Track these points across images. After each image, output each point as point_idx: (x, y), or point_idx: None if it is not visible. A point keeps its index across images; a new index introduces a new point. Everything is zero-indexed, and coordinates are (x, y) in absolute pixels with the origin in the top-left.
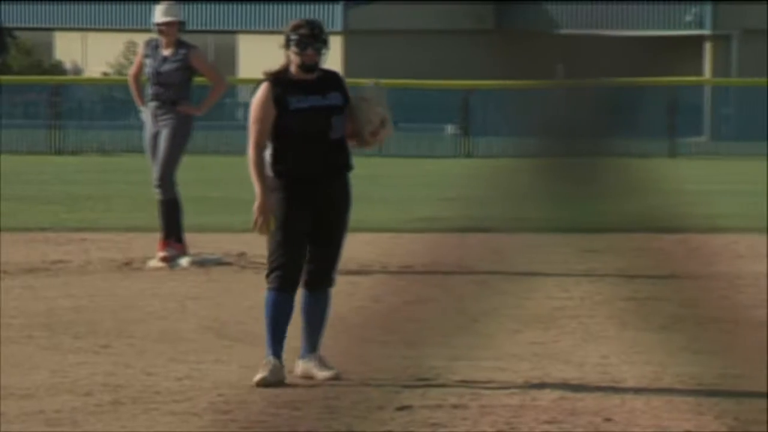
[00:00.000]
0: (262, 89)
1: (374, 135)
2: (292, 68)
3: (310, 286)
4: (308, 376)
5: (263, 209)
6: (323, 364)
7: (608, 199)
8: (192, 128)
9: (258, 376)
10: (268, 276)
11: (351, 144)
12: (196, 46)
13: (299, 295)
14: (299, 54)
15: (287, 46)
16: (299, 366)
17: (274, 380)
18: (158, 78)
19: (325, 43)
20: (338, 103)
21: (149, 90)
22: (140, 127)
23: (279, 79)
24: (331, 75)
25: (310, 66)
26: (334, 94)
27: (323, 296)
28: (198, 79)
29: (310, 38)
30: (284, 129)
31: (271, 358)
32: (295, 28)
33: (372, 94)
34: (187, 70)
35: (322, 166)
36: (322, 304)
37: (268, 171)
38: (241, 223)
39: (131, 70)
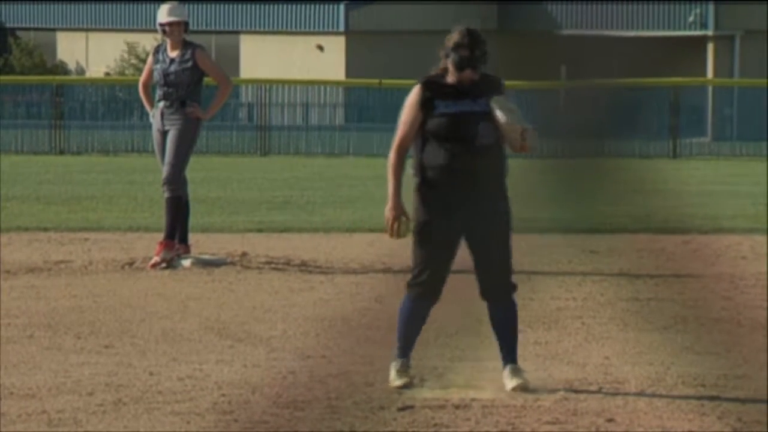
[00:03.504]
0: (413, 92)
1: (522, 149)
2: (449, 75)
3: (484, 296)
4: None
5: (394, 211)
6: (517, 372)
7: (610, 200)
8: (200, 128)
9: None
10: (409, 284)
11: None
12: (202, 46)
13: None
14: (457, 73)
15: (447, 56)
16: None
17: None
18: (166, 79)
19: (484, 56)
20: (487, 110)
21: (158, 91)
22: (143, 127)
23: (431, 83)
24: (489, 80)
25: (466, 87)
26: (485, 100)
27: (506, 305)
28: (205, 80)
29: (470, 60)
30: (430, 133)
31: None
32: (456, 48)
33: (502, 112)
34: (195, 70)
35: (467, 172)
36: (507, 313)
37: (419, 175)
38: (244, 223)
39: (141, 78)
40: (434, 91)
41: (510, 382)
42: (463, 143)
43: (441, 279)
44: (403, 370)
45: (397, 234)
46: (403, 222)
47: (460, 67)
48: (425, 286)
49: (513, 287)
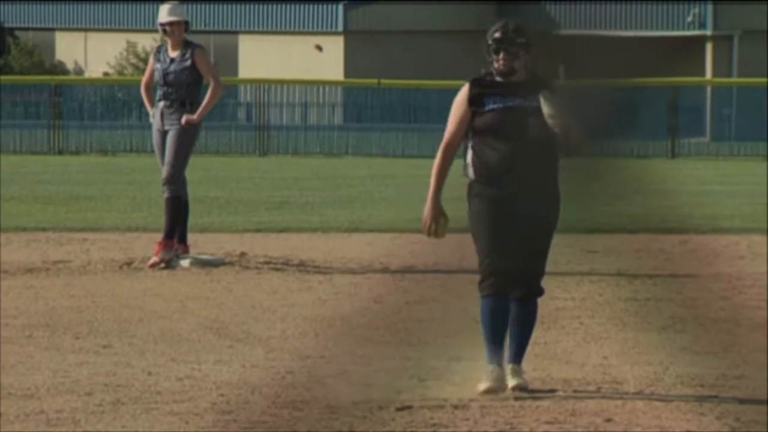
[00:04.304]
0: (462, 90)
1: (567, 148)
2: (496, 73)
3: (510, 292)
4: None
5: (432, 212)
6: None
7: (608, 200)
8: (200, 129)
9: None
10: (481, 283)
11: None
12: (201, 46)
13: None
14: (495, 60)
15: (488, 51)
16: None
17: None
18: (166, 79)
19: (521, 46)
20: (537, 105)
21: (158, 91)
22: (142, 127)
23: (480, 81)
24: (539, 79)
25: (503, 72)
26: (537, 96)
27: (528, 307)
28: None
29: (502, 42)
30: (478, 130)
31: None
32: (491, 33)
33: (547, 109)
34: (193, 69)
35: (517, 168)
36: (527, 315)
37: (470, 174)
38: (243, 223)
39: (143, 79)
40: (483, 87)
41: (509, 382)
42: (511, 138)
43: (506, 272)
44: (493, 376)
45: (435, 235)
46: (440, 223)
47: (495, 51)
48: (493, 283)
49: (540, 291)
